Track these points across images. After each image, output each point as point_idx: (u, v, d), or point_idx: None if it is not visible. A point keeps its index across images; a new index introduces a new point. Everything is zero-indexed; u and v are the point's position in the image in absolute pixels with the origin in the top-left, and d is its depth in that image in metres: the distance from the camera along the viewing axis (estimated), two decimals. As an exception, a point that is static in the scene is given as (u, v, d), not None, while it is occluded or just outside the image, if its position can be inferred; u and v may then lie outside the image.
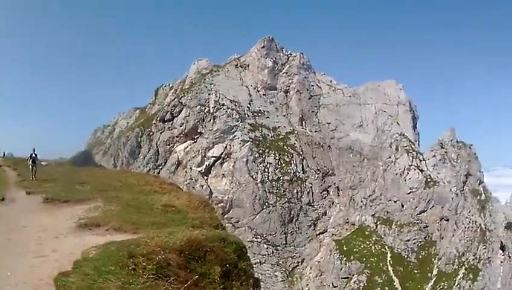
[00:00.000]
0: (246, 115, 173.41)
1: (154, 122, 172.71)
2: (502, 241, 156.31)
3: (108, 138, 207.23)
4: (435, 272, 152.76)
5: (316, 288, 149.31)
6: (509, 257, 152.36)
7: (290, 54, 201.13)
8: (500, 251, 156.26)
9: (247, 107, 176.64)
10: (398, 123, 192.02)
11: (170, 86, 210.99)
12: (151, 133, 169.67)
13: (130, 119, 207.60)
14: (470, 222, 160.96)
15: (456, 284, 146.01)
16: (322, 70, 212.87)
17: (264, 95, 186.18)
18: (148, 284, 12.77)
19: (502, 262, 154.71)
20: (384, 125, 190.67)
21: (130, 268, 13.56)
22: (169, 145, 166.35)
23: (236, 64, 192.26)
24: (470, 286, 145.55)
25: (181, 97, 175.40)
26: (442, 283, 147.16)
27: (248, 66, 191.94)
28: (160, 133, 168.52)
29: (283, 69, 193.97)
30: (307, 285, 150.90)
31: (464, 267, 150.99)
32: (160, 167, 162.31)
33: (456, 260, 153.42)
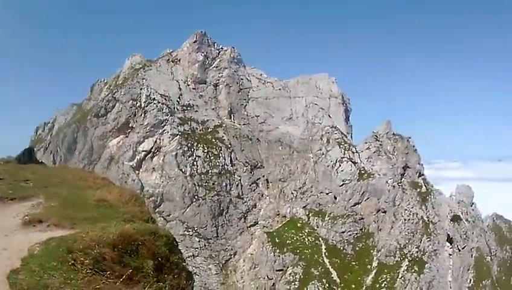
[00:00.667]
0: (176, 109, 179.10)
1: (89, 117, 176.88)
2: (448, 234, 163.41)
3: (48, 135, 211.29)
4: (375, 264, 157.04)
5: (251, 280, 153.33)
6: (459, 249, 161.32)
7: (222, 48, 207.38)
8: (448, 244, 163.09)
9: (177, 101, 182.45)
10: (329, 116, 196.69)
11: (105, 81, 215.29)
12: (86, 129, 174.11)
13: (68, 116, 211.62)
14: (410, 214, 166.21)
15: (400, 277, 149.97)
16: (259, 65, 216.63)
17: (194, 89, 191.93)
18: (87, 279, 13.68)
19: (450, 255, 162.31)
20: (314, 118, 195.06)
21: (70, 263, 14.63)
22: (103, 140, 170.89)
23: (168, 59, 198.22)
24: (416, 278, 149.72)
25: (115, 92, 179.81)
26: (385, 275, 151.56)
27: (179, 60, 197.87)
28: (95, 128, 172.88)
29: (213, 63, 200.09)
30: (242, 278, 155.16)
31: (407, 260, 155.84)
32: (95, 163, 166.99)
33: (398, 252, 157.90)
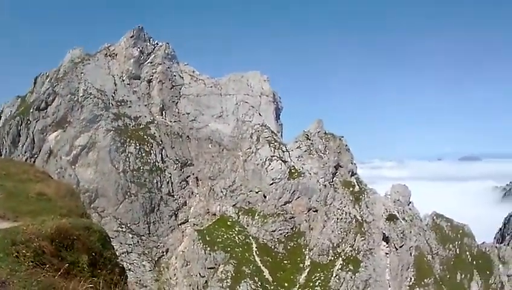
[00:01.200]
0: (111, 104, 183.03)
1: (31, 110, 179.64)
2: (384, 233, 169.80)
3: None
4: (307, 262, 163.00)
5: (184, 278, 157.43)
6: (396, 248, 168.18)
7: (157, 43, 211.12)
8: (384, 243, 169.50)
9: (112, 96, 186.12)
10: (260, 114, 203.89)
11: (47, 74, 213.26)
12: (28, 122, 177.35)
13: (13, 108, 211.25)
14: (343, 213, 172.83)
15: (334, 275, 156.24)
16: (194, 62, 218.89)
17: (128, 84, 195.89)
18: (29, 272, 13.92)
19: (387, 254, 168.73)
20: (245, 116, 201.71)
21: (14, 255, 14.95)
22: (43, 134, 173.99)
23: (106, 54, 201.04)
24: (351, 277, 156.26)
25: (55, 86, 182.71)
26: (318, 274, 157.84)
27: (116, 55, 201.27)
28: (36, 121, 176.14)
29: (148, 58, 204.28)
30: (175, 275, 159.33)
31: (341, 258, 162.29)
32: (36, 156, 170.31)
33: (331, 251, 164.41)
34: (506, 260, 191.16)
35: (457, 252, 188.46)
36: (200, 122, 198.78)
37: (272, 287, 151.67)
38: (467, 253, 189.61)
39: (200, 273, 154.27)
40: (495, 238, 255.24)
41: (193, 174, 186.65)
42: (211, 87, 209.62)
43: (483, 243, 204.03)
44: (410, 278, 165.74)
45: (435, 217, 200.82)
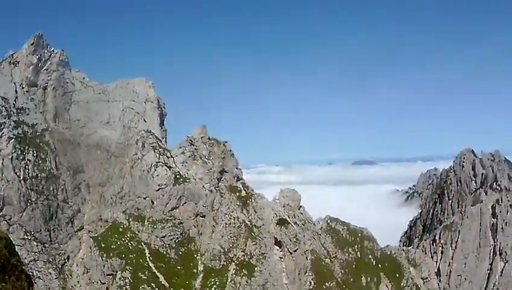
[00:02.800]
0: (12, 112, 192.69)
1: None
2: (276, 237, 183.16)
3: None
4: (200, 268, 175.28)
5: (86, 285, 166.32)
6: (290, 252, 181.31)
7: (53, 50, 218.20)
8: (276, 247, 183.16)
9: (13, 104, 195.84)
10: (145, 120, 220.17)
11: None
12: None
13: None
14: (231, 218, 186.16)
15: (229, 280, 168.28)
16: (88, 68, 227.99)
17: (27, 92, 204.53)
18: None
19: (281, 258, 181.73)
20: (130, 122, 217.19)
21: None
22: None
23: (10, 61, 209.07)
24: (247, 281, 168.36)
25: None
26: (213, 279, 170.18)
27: (18, 62, 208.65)
28: None
29: (45, 66, 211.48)
30: (78, 282, 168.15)
31: (233, 263, 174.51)
32: None
33: (223, 256, 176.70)
34: (417, 263, 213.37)
35: (359, 256, 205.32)
36: (89, 128, 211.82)
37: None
38: (370, 256, 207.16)
39: (100, 280, 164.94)
40: (401, 241, 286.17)
41: (84, 181, 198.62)
42: (100, 93, 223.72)
43: (387, 246, 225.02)
44: (310, 282, 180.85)
45: (329, 221, 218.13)
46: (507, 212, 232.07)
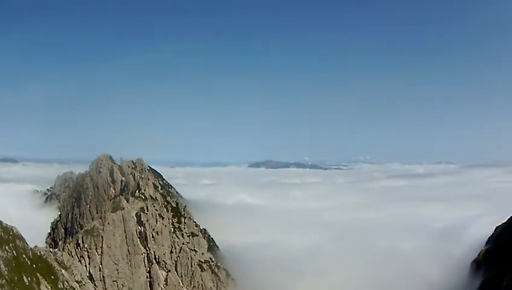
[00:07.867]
0: None
1: None
2: None
3: None
4: None
5: None
6: None
7: None
8: None
9: None
10: None
11: None
12: None
13: None
14: None
15: None
16: None
17: None
18: None
19: None
20: None
21: None
22: None
23: None
24: None
25: None
26: None
27: None
28: None
29: None
30: None
31: None
32: None
33: None
34: (67, 266, 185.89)
35: (15, 254, 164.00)
36: None
37: None
38: (24, 256, 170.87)
39: None
40: (46, 242, 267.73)
41: None
42: None
43: (36, 246, 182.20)
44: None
45: None
46: (156, 221, 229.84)
